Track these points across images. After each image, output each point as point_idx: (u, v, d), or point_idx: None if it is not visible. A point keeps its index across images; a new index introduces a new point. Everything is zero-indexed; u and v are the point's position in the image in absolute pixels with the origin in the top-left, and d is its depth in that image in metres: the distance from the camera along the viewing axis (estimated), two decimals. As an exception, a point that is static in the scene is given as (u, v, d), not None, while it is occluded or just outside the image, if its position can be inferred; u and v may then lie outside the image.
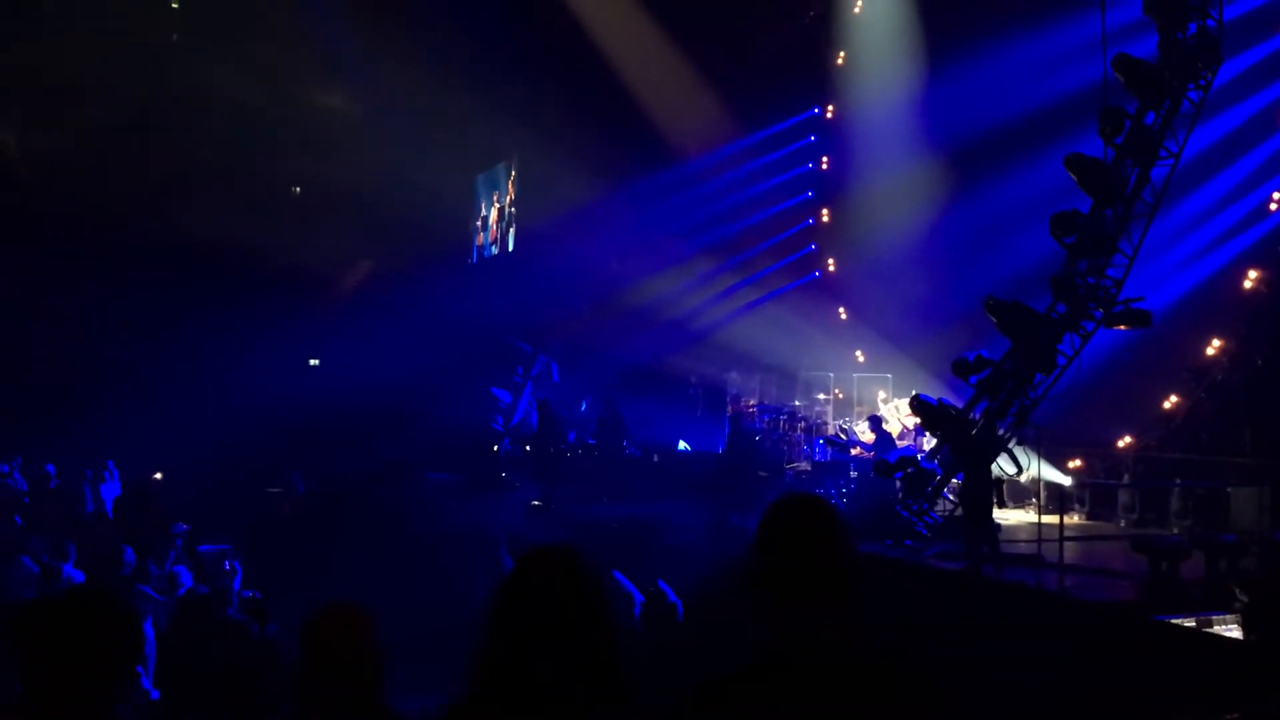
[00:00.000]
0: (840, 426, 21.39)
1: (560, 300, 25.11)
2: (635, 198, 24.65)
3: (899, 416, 19.69)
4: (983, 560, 11.91)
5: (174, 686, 8.83)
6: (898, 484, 14.12)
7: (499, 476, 20.62)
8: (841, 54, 24.64)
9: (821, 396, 23.54)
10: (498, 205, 30.05)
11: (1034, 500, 15.32)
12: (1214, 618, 9.40)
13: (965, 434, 13.21)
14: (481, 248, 31.09)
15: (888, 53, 22.51)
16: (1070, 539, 12.04)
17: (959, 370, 13.71)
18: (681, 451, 21.43)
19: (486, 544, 13.97)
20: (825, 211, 25.79)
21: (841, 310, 24.72)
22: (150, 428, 20.48)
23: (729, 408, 22.79)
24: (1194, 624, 9.37)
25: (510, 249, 29.14)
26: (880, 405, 21.10)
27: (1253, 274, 16.33)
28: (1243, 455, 14.87)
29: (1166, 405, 16.84)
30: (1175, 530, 13.80)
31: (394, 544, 15.08)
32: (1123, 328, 13.48)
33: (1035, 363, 13.22)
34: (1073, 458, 17.10)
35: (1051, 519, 12.47)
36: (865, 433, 19.53)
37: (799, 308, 24.22)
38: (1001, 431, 13.25)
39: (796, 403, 23.30)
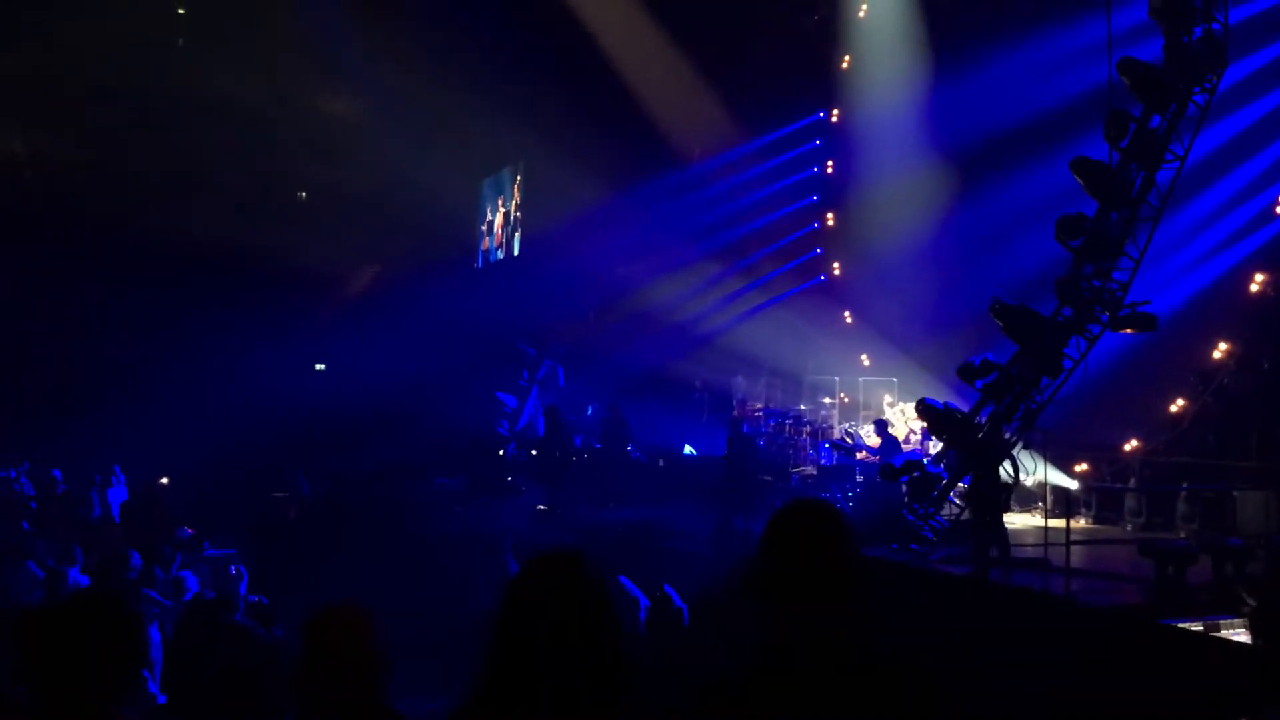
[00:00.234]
0: (846, 430, 21.36)
1: (565, 304, 25.13)
2: (640, 202, 24.66)
3: (905, 421, 19.67)
4: (990, 564, 11.89)
5: (181, 691, 8.85)
6: (903, 488, 14.10)
7: (504, 480, 20.62)
8: (846, 58, 24.62)
9: (827, 400, 23.51)
10: (503, 210, 30.09)
11: (1040, 504, 15.29)
12: (1221, 622, 9.38)
13: (973, 438, 13.19)
14: (487, 252, 31.14)
15: (893, 56, 22.49)
16: (1076, 543, 11.99)
17: (965, 374, 13.68)
18: (687, 456, 21.42)
19: (492, 548, 13.98)
20: (830, 215, 25.77)
21: (847, 314, 24.69)
22: (156, 432, 20.54)
23: (735, 411, 22.77)
24: (1201, 628, 9.35)
25: (515, 253, 29.18)
26: (886, 409, 21.06)
27: (1259, 277, 16.29)
28: (1249, 459, 14.84)
29: (1173, 409, 16.80)
30: (1182, 534, 13.76)
31: (399, 547, 15.09)
32: (1129, 331, 13.44)
33: (1041, 366, 13.19)
34: (1079, 461, 17.06)
35: (1058, 523, 12.46)
36: (871, 437, 19.50)
37: (804, 312, 24.21)
38: (1008, 436, 13.22)
39: (802, 407, 23.27)
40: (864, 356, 23.78)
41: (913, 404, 15.87)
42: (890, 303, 22.71)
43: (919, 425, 17.29)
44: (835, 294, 25.30)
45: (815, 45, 25.26)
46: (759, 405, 23.83)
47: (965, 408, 13.84)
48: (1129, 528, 15.34)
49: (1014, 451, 12.92)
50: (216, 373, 23.53)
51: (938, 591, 11.84)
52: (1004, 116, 18.79)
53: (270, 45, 27.23)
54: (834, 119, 25.59)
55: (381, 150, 27.25)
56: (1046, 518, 13.56)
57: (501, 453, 22.89)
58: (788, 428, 21.76)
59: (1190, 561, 10.47)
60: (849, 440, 20.19)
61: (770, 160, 25.74)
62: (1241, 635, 8.94)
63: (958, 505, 13.96)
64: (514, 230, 29.42)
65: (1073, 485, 16.37)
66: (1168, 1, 13.03)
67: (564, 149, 23.32)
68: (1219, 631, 9.27)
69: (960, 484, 13.80)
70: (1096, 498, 16.37)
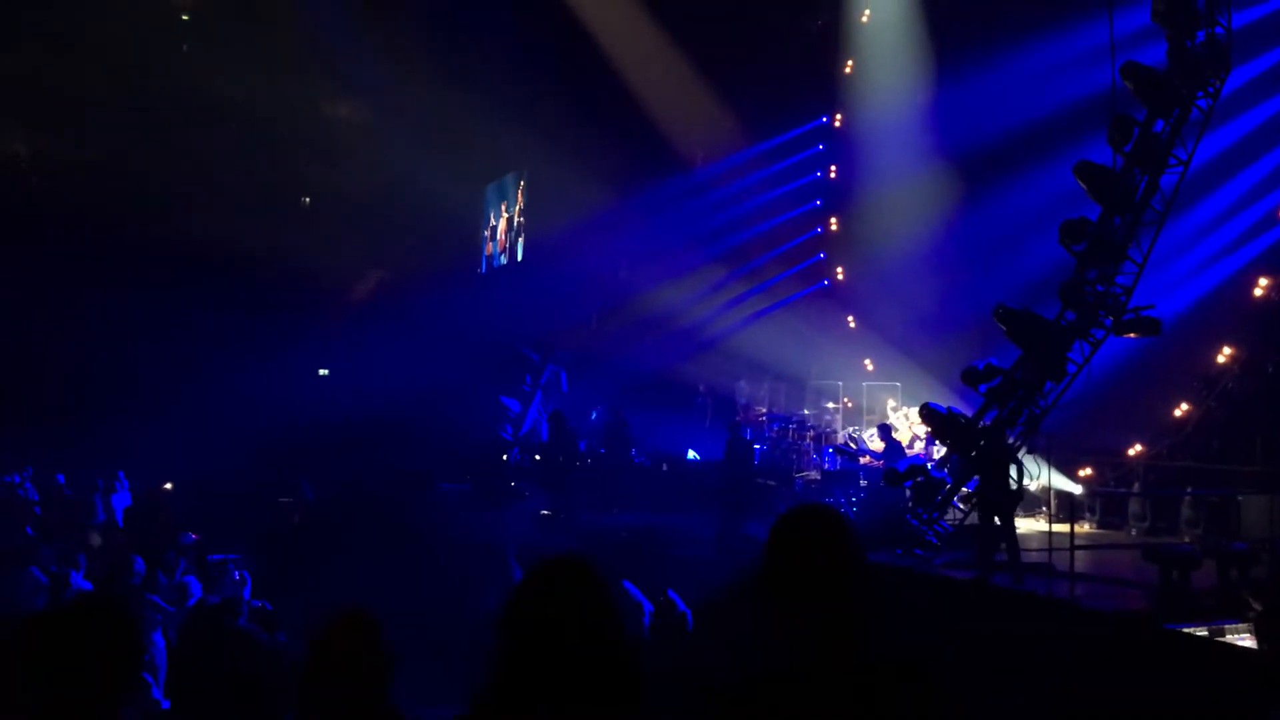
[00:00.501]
0: (850, 435, 21.35)
1: (569, 309, 25.13)
2: (644, 207, 24.67)
3: (909, 425, 19.66)
4: (994, 569, 11.87)
5: (185, 696, 8.84)
6: (907, 493, 14.09)
7: (508, 486, 20.62)
8: (850, 62, 24.64)
9: (831, 405, 23.50)
10: (507, 215, 30.11)
11: (1044, 509, 15.28)
12: (1226, 626, 9.38)
13: (977, 443, 13.18)
14: (491, 257, 31.14)
15: (896, 61, 22.51)
16: (1081, 547, 12.00)
17: (968, 378, 13.69)
18: (691, 460, 21.41)
19: (496, 553, 13.97)
20: (834, 220, 25.78)
21: (850, 319, 24.68)
22: (160, 437, 20.54)
23: (739, 415, 22.75)
24: (1205, 633, 9.34)
25: (519, 258, 29.18)
26: (890, 414, 21.06)
27: (1263, 281, 16.28)
28: (1254, 464, 14.81)
29: (1177, 413, 16.78)
30: (1186, 539, 13.75)
31: (404, 553, 15.09)
32: (1133, 335, 13.45)
33: (1045, 371, 13.20)
34: (1083, 466, 17.04)
35: (1062, 527, 12.44)
36: (875, 441, 19.49)
37: (808, 316, 24.20)
38: (1012, 440, 13.21)
39: (805, 411, 23.26)
40: (867, 361, 23.77)
41: (916, 408, 15.86)
42: (894, 307, 22.71)
43: (923, 430, 17.28)
44: (838, 298, 25.29)
45: (818, 50, 25.29)
46: (762, 410, 23.83)
47: (969, 412, 13.84)
48: (1133, 532, 15.32)
49: (1019, 456, 12.92)
50: (220, 378, 23.51)
51: (942, 596, 11.83)
52: (1007, 121, 18.79)
53: (275, 50, 27.26)
54: (837, 124, 25.59)
55: (386, 155, 27.27)
56: (1050, 522, 13.55)
57: (505, 458, 22.88)
58: (791, 432, 21.76)
59: (1195, 566, 10.47)
60: (853, 445, 20.19)
61: (773, 165, 25.75)
62: (1246, 640, 8.93)
63: (961, 510, 13.96)
64: (518, 235, 29.43)
65: (1077, 490, 16.35)
66: (1171, 6, 13.04)
67: (568, 154, 23.33)
68: (1224, 636, 9.26)
69: (964, 488, 13.81)
70: (1100, 502, 16.35)
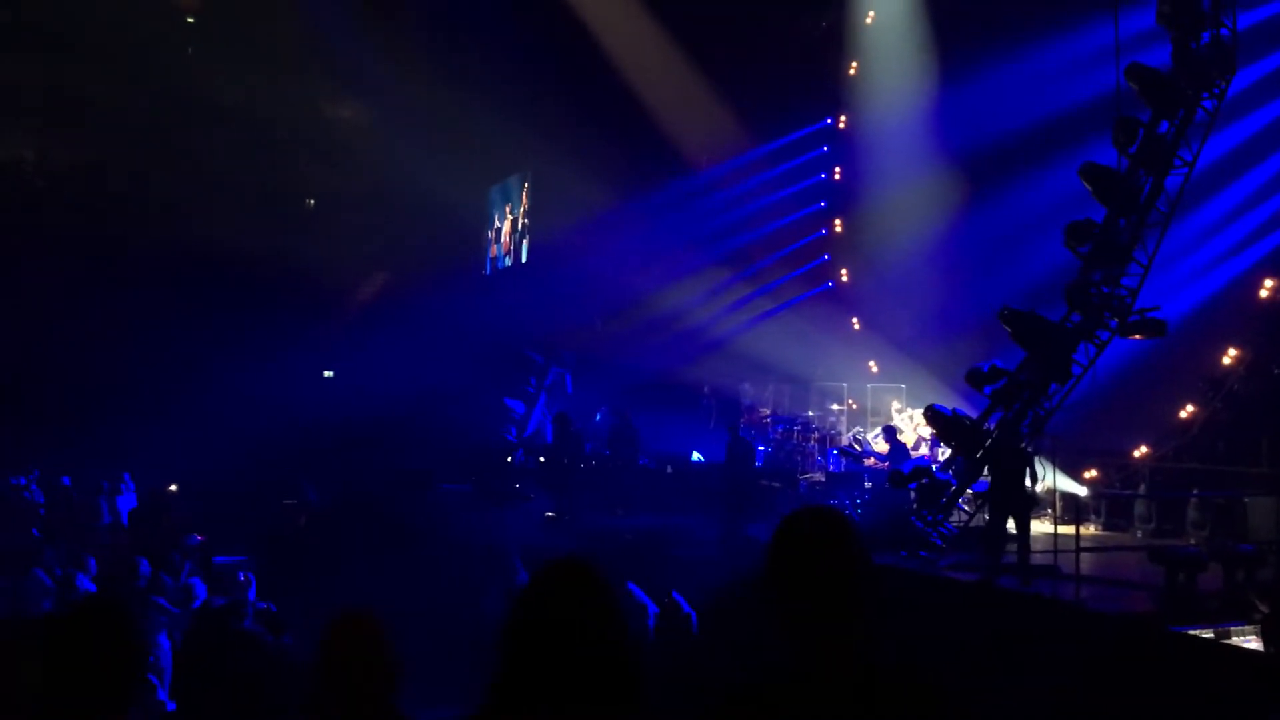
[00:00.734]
0: (854, 437, 21.34)
1: (573, 311, 25.13)
2: (648, 209, 24.67)
3: (913, 427, 19.64)
4: (1000, 571, 11.85)
5: (190, 697, 8.86)
6: (912, 495, 14.08)
7: (512, 487, 20.63)
8: (854, 64, 24.63)
9: (835, 407, 23.50)
10: (511, 217, 30.12)
11: (1050, 511, 15.26)
12: (1232, 629, 9.34)
13: (999, 444, 13.13)
14: (495, 259, 31.16)
15: (900, 63, 22.49)
16: (1086, 549, 11.99)
17: (973, 380, 13.67)
18: (695, 462, 21.41)
19: (501, 555, 13.97)
20: (838, 222, 25.78)
21: (855, 320, 24.67)
22: (165, 439, 20.57)
23: (742, 417, 22.75)
24: (1212, 635, 9.31)
25: (524, 260, 29.20)
26: (894, 415, 21.06)
27: (1268, 283, 16.23)
28: (1260, 465, 14.78)
29: (1182, 415, 16.75)
30: (1192, 541, 13.72)
31: (408, 554, 15.09)
32: (1138, 337, 13.42)
33: (1050, 372, 13.18)
34: (1088, 468, 17.02)
35: (1067, 529, 12.43)
36: (879, 443, 19.49)
37: (812, 318, 24.19)
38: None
39: (810, 413, 23.27)
40: (872, 363, 23.76)
41: (921, 410, 15.84)
42: (898, 309, 22.69)
43: (927, 431, 17.27)
44: (843, 300, 25.28)
45: (823, 51, 25.29)
46: (767, 411, 23.84)
47: (974, 414, 13.83)
48: (1139, 534, 15.30)
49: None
50: (223, 379, 23.53)
51: (946, 598, 11.81)
52: (1012, 122, 18.77)
53: (278, 52, 27.30)
54: (841, 125, 25.60)
55: (390, 157, 27.27)
56: (1056, 524, 13.52)
57: (509, 459, 22.89)
58: (796, 434, 21.76)
59: (1200, 568, 10.45)
60: (857, 447, 20.18)
61: (778, 166, 25.75)
62: (1252, 642, 8.90)
63: (966, 512, 13.94)
64: (522, 237, 29.44)
65: (1082, 492, 16.33)
66: (1176, 7, 13.02)
67: (572, 156, 23.33)
68: (1230, 638, 9.23)
69: (970, 490, 13.79)
70: (1106, 504, 16.33)
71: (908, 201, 21.72)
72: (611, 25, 24.06)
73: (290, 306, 26.72)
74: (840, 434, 22.21)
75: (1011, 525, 12.15)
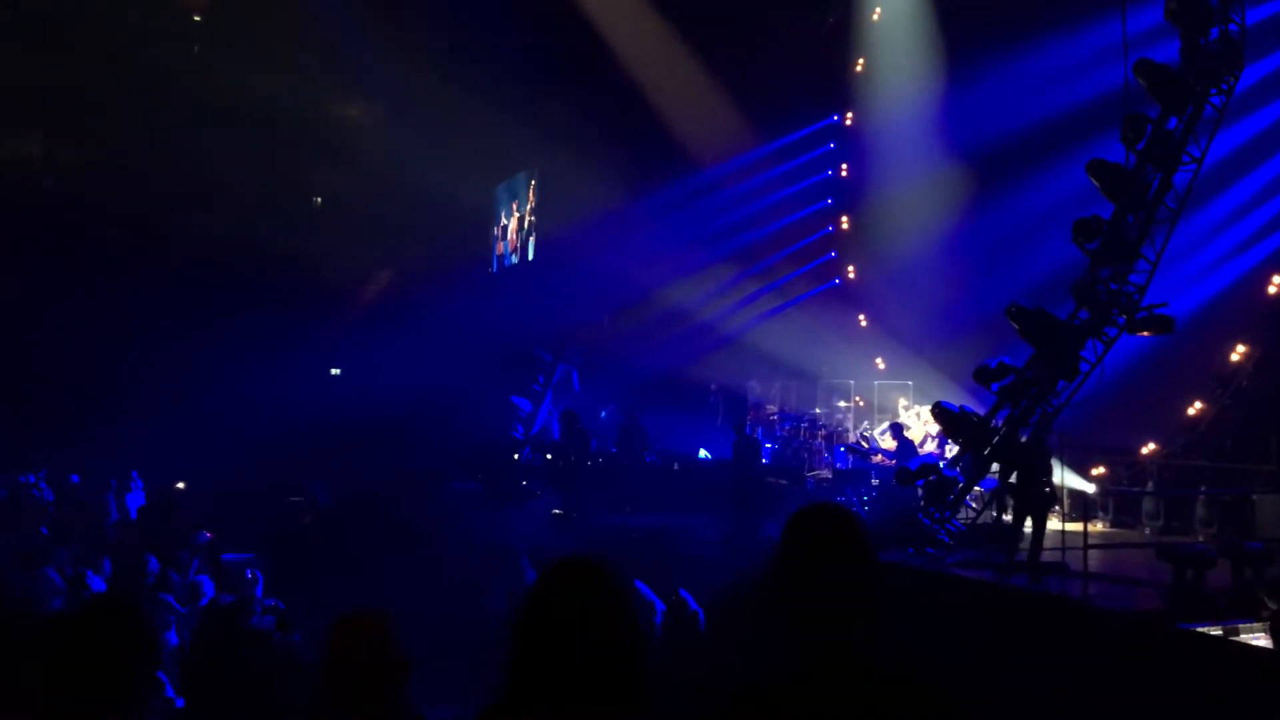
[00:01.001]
0: (862, 434, 21.33)
1: (580, 309, 25.13)
2: (655, 206, 24.66)
3: (921, 423, 19.62)
4: (1014, 569, 11.82)
5: (199, 695, 8.87)
6: (919, 492, 14.07)
7: (520, 485, 20.64)
8: (860, 60, 24.60)
9: (842, 404, 23.49)
10: (518, 214, 30.13)
11: (1057, 508, 15.23)
12: (1240, 626, 9.33)
13: (989, 442, 13.13)
14: (501, 256, 31.18)
15: (907, 59, 22.45)
16: (1094, 547, 11.95)
17: (981, 377, 13.65)
18: (702, 460, 21.41)
19: (508, 554, 13.99)
20: (845, 218, 25.75)
21: (862, 317, 24.65)
22: (171, 438, 20.61)
23: (748, 414, 22.74)
24: (1220, 633, 9.29)
25: (530, 258, 29.21)
26: (901, 412, 21.04)
27: (1277, 279, 16.20)
28: (1268, 462, 14.74)
29: (1191, 412, 16.71)
30: (1200, 538, 13.69)
31: (415, 553, 15.11)
32: (1146, 334, 13.39)
33: (1058, 369, 13.15)
34: (1096, 465, 16.98)
35: (1075, 526, 12.42)
36: (887, 440, 19.47)
37: (819, 315, 24.17)
38: (1024, 439, 13.18)
39: (817, 410, 23.26)
40: (879, 360, 23.74)
41: (928, 407, 15.83)
42: (905, 306, 22.66)
43: (935, 429, 17.25)
44: (850, 297, 25.26)
45: (829, 48, 25.26)
46: (774, 408, 23.83)
47: (982, 411, 13.81)
48: (1147, 531, 15.27)
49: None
50: (234, 379, 23.58)
51: (954, 595, 11.80)
52: (1019, 119, 18.74)
53: (285, 51, 27.30)
54: (848, 122, 25.56)
55: (396, 155, 27.29)
56: (1064, 521, 13.50)
57: (516, 457, 22.91)
58: (803, 431, 21.75)
59: (1209, 566, 10.42)
60: (864, 444, 20.16)
61: (784, 164, 25.71)
62: (1261, 640, 8.89)
63: (974, 509, 13.92)
64: (528, 235, 29.45)
65: (1090, 489, 16.31)
66: (1184, 3, 12.99)
67: (579, 153, 23.34)
68: (1238, 636, 9.21)
69: (978, 487, 13.78)
70: (1114, 501, 16.29)
71: (915, 198, 21.69)
72: (617, 23, 24.04)
73: (296, 304, 26.77)
74: (847, 431, 22.20)
75: (1028, 523, 12.15)
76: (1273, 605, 8.93)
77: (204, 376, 24.04)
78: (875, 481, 17.85)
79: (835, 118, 25.82)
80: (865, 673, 2.55)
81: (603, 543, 15.51)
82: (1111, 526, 15.97)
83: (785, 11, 24.41)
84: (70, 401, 23.60)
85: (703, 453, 21.63)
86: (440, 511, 18.20)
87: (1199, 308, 15.91)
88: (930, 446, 18.64)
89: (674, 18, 23.60)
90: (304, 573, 13.25)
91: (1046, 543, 12.30)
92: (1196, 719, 8.13)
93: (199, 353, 24.84)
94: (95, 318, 25.02)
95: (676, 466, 20.77)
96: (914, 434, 19.12)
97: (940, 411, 13.95)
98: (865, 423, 22.19)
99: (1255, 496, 13.65)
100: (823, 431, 21.86)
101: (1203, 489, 14.88)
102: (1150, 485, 16.29)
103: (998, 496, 13.52)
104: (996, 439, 13.24)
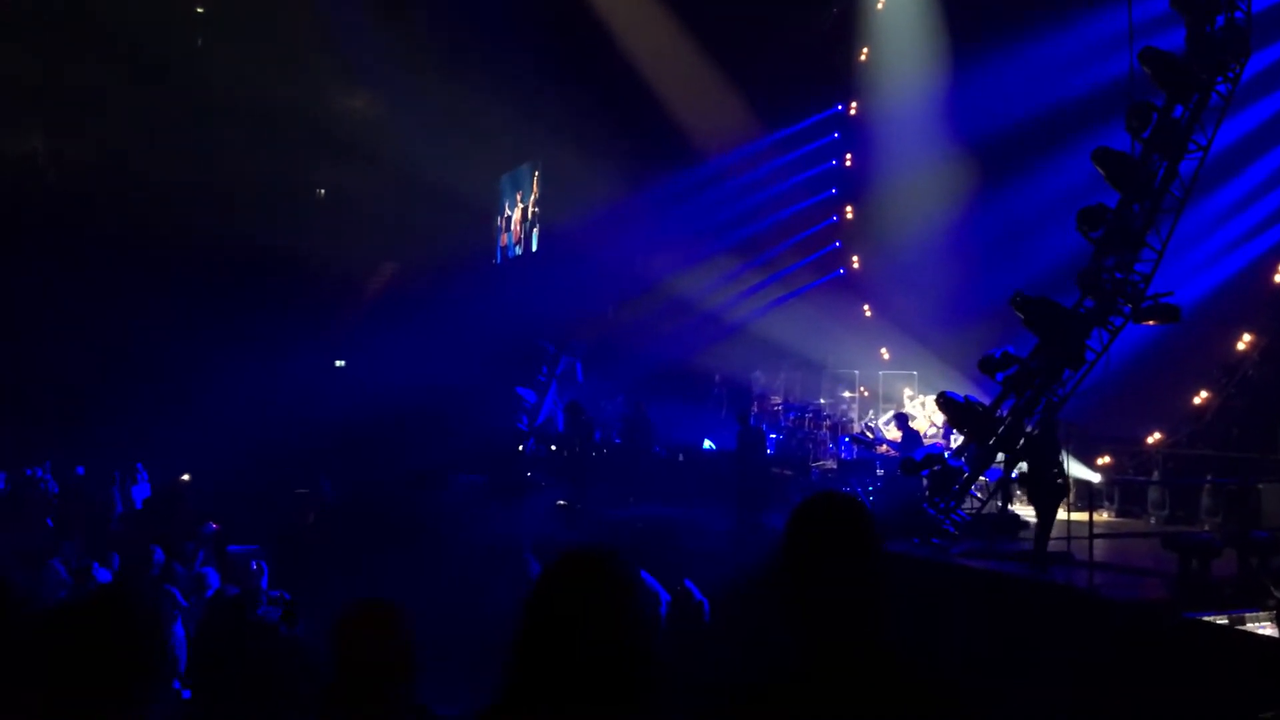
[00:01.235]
0: (866, 424, 21.32)
1: (585, 300, 25.12)
2: (659, 197, 24.64)
3: (926, 414, 19.60)
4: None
5: (204, 686, 8.89)
6: (924, 482, 14.06)
7: (524, 477, 20.64)
8: (865, 50, 24.53)
9: (847, 394, 23.46)
10: (522, 206, 30.13)
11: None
12: (1246, 615, 9.31)
13: (1036, 432, 13.09)
14: (505, 248, 31.19)
15: (911, 49, 22.39)
16: (1100, 536, 11.93)
17: (986, 367, 13.64)
18: (707, 451, 21.40)
19: (512, 548, 13.98)
20: (849, 208, 25.70)
21: (866, 307, 24.62)
22: (177, 430, 20.63)
23: (753, 405, 22.71)
24: (1226, 622, 9.28)
25: (534, 249, 29.21)
26: (906, 402, 21.03)
27: (1283, 268, 16.17)
28: (1274, 451, 14.69)
29: (1196, 401, 16.68)
30: (1206, 527, 13.66)
31: (420, 546, 15.11)
32: (1151, 323, 13.37)
33: (1063, 359, 13.14)
34: (1102, 454, 16.96)
35: (1081, 516, 12.37)
36: (892, 430, 19.45)
37: (823, 305, 24.13)
38: (1029, 429, 13.17)
39: (822, 400, 23.23)
40: (884, 350, 23.71)
41: (933, 397, 15.81)
42: (910, 296, 22.63)
43: (940, 418, 17.24)
44: (854, 287, 25.23)
45: (833, 38, 25.19)
46: (778, 399, 23.81)
47: (986, 401, 13.80)
48: (1152, 521, 15.25)
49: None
50: (239, 372, 23.60)
51: (959, 585, 11.80)
52: (1024, 108, 18.70)
53: (289, 44, 27.31)
54: (852, 112, 25.51)
55: (400, 147, 27.27)
56: (1069, 511, 13.47)
57: (521, 448, 22.92)
58: (807, 421, 21.73)
59: (1214, 555, 10.41)
60: (869, 434, 20.14)
61: (789, 154, 25.67)
62: (1267, 629, 8.88)
63: (979, 499, 13.91)
64: (533, 226, 29.45)
65: (1095, 478, 16.28)
66: (1189, -10, 12.95)
67: (582, 144, 23.32)
68: (1244, 625, 9.20)
69: (982, 477, 13.77)
70: (1119, 491, 16.27)
71: (919, 188, 21.64)
72: (621, 13, 24.00)
73: (300, 297, 26.79)
74: (852, 421, 22.18)
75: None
76: (1278, 594, 8.90)
77: (206, 373, 24.04)
78: (880, 472, 17.83)
79: (839, 107, 25.76)
80: (871, 664, 2.53)
81: (608, 533, 15.51)
82: (1117, 516, 15.95)
83: (789, 1, 24.36)
84: (72, 399, 23.63)
85: (707, 444, 21.61)
86: (445, 506, 18.21)
87: (1204, 296, 15.86)
88: (935, 436, 18.64)
89: (678, 8, 23.56)
90: (309, 565, 13.26)
91: (1052, 532, 12.29)
92: (1202, 708, 8.12)
93: (201, 348, 24.84)
94: (98, 314, 25.04)
95: (681, 458, 20.77)
96: (919, 424, 19.11)
97: (945, 401, 13.94)
98: (870, 413, 22.18)
99: (1261, 485, 13.59)
100: (827, 422, 21.84)
101: (1208, 478, 14.85)
102: (1156, 475, 16.27)
103: (1003, 487, 13.50)
104: (1001, 429, 13.23)
